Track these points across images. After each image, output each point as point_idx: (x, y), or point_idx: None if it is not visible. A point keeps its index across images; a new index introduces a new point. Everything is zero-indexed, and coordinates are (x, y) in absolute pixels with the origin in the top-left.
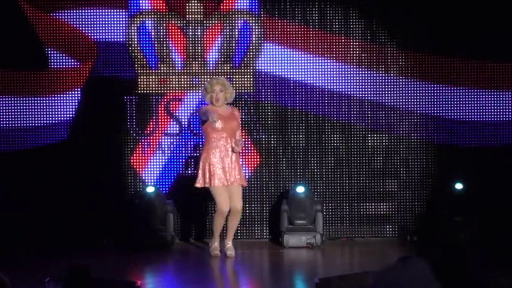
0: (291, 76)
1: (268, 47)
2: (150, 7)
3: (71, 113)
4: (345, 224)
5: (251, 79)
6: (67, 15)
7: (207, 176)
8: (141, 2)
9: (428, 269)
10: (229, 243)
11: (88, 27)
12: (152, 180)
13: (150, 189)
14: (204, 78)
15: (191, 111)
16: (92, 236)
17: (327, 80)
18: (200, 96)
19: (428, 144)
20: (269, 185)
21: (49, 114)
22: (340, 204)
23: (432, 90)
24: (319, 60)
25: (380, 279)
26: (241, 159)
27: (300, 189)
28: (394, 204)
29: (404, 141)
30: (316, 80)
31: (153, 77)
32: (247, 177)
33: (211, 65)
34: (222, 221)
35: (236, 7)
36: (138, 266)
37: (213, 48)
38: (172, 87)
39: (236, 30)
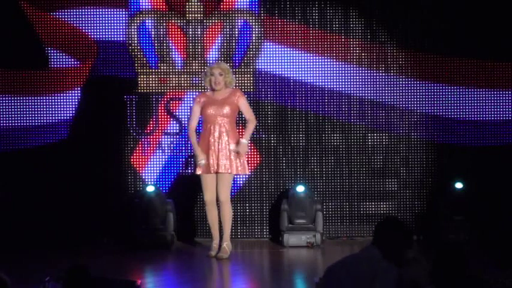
0: (291, 75)
1: (268, 47)
2: (150, 6)
3: (71, 112)
4: (345, 223)
5: (251, 78)
6: (67, 15)
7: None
8: (141, 1)
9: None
10: (223, 244)
11: (88, 26)
12: (152, 180)
13: (150, 189)
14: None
15: None
16: (92, 235)
17: (327, 79)
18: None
19: (428, 143)
20: (269, 184)
21: (49, 113)
22: (340, 203)
23: (432, 89)
24: (319, 59)
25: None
26: None
27: (300, 188)
28: (394, 203)
29: (404, 141)
30: (316, 79)
31: (153, 76)
32: (247, 176)
33: (211, 64)
34: (212, 212)
35: (236, 6)
36: (138, 266)
37: (213, 47)
38: (173, 86)
39: (236, 29)
